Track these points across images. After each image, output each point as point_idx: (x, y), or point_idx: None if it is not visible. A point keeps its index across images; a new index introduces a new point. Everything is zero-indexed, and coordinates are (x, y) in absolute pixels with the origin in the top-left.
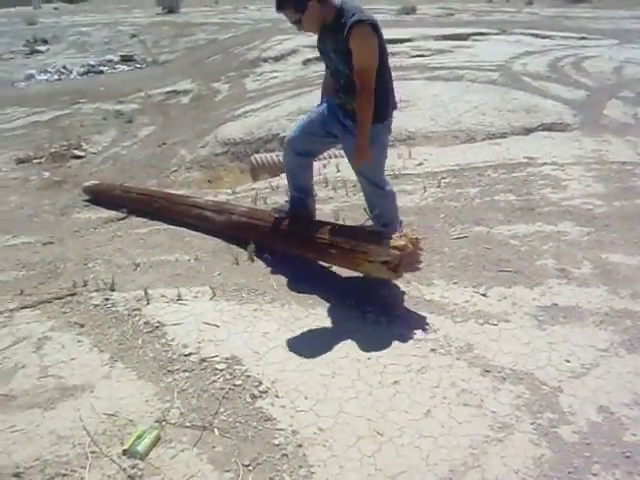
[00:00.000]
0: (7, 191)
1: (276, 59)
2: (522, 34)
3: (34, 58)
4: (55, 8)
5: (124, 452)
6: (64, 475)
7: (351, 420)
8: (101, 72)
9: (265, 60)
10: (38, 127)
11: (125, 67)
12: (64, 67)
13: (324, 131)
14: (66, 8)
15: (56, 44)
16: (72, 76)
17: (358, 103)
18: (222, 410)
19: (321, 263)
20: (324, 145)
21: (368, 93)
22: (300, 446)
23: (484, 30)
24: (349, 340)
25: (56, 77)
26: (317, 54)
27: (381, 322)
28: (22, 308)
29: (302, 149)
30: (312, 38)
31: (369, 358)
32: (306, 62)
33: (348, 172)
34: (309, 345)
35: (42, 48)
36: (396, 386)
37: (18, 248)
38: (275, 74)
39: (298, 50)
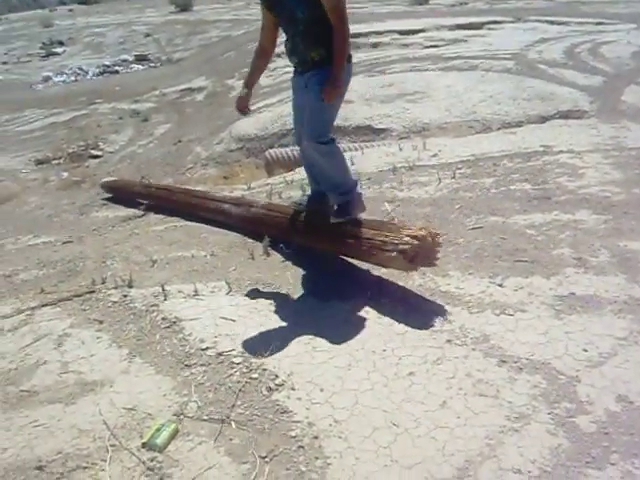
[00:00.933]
0: (28, 192)
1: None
2: (537, 21)
3: (51, 60)
4: (70, 10)
5: (143, 445)
6: (85, 468)
7: (367, 412)
8: (116, 72)
9: (278, 55)
10: (56, 128)
11: (140, 66)
12: (80, 68)
13: None
14: (81, 10)
15: (72, 46)
16: (88, 77)
17: (336, 39)
18: (239, 403)
19: (337, 257)
20: None
21: (345, 28)
22: (316, 438)
23: (499, 18)
24: (365, 332)
25: (73, 78)
26: None
27: (397, 314)
28: (43, 306)
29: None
30: None
31: (385, 350)
32: None
33: (362, 165)
34: (325, 338)
35: (58, 50)
36: (412, 377)
37: (39, 247)
38: (288, 69)
39: None
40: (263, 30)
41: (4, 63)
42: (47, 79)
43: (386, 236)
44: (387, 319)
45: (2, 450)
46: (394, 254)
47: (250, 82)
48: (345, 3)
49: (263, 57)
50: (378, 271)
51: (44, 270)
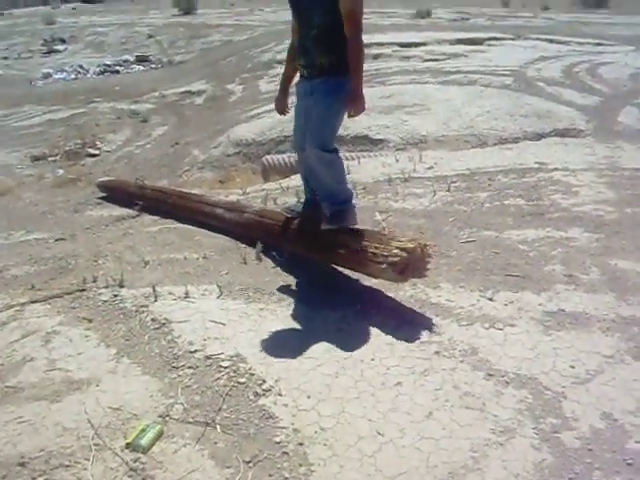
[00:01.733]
0: (22, 188)
1: None
2: (537, 39)
3: (52, 57)
4: (73, 8)
5: (127, 445)
6: (68, 466)
7: (353, 420)
8: (117, 72)
9: (279, 62)
10: (54, 125)
11: (141, 67)
12: (81, 66)
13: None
14: (84, 8)
15: (74, 44)
16: (88, 75)
17: (351, 49)
18: (225, 407)
19: (329, 266)
20: None
21: (360, 37)
22: (301, 444)
23: (499, 35)
24: (354, 341)
25: (73, 76)
26: None
27: (386, 324)
28: (32, 302)
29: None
30: None
31: (373, 359)
32: None
33: (357, 175)
34: (314, 345)
35: (60, 47)
36: (399, 387)
37: (31, 244)
38: None
39: None
40: (293, 30)
41: (5, 58)
42: (47, 76)
43: (376, 247)
44: (376, 329)
45: None
46: (384, 266)
47: (285, 83)
48: (362, 11)
49: (294, 56)
50: (369, 281)
51: (35, 266)
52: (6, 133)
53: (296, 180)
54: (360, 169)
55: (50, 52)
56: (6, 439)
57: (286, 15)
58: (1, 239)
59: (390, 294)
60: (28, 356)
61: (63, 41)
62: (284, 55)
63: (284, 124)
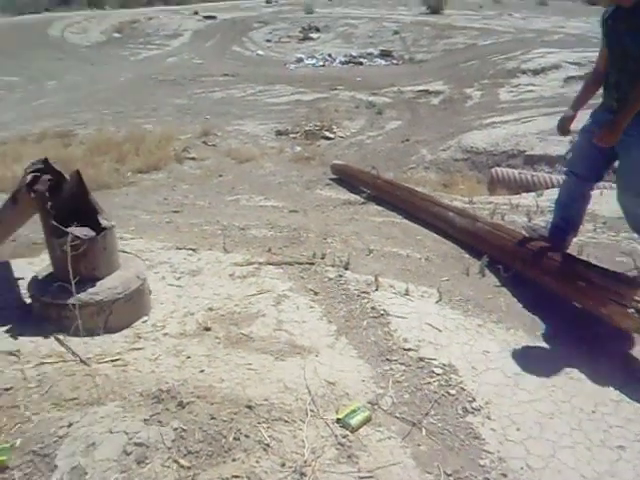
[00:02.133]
0: (265, 158)
1: (535, 72)
2: None
3: (305, 44)
4: (330, 0)
5: (338, 420)
6: (286, 422)
7: (564, 469)
8: (360, 63)
9: (523, 72)
10: (299, 106)
11: (382, 61)
12: (329, 55)
13: (603, 152)
14: (339, 0)
15: (326, 33)
16: (334, 64)
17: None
18: (432, 413)
19: (558, 296)
20: (604, 167)
21: None
22: (505, 476)
23: None
24: (574, 386)
25: (321, 63)
26: (582, 72)
27: (614, 378)
28: (268, 264)
29: (584, 172)
30: (579, 54)
31: (594, 411)
32: (568, 79)
33: (598, 207)
34: (530, 377)
35: (314, 35)
36: (621, 451)
37: (268, 210)
38: (532, 88)
39: (561, 66)
40: (601, 54)
41: (268, 41)
42: (299, 60)
43: (624, 290)
44: (602, 381)
45: (220, 380)
46: (631, 311)
47: (578, 104)
48: None
49: (597, 81)
50: (601, 325)
51: (272, 232)
52: (259, 107)
53: (527, 199)
54: (602, 200)
55: (305, 39)
56: (237, 380)
57: (537, 22)
58: (244, 200)
59: (625, 343)
60: (261, 312)
61: (317, 30)
62: (529, 65)
63: (519, 138)
